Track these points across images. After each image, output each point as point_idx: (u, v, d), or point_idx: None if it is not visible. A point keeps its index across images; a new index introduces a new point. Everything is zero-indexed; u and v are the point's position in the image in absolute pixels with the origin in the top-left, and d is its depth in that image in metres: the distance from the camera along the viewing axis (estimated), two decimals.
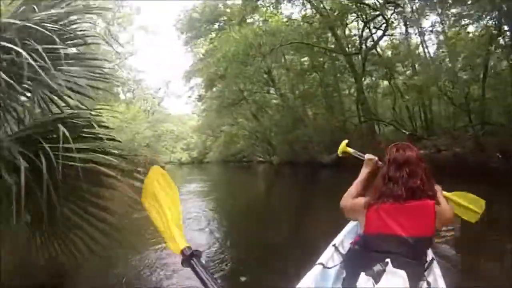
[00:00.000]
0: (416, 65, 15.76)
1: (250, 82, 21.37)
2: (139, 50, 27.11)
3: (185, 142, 45.09)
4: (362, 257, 1.46)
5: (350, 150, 2.33)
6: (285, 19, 18.72)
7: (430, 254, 1.64)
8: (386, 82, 18.53)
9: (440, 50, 14.45)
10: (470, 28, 12.47)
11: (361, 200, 1.60)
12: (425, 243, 1.49)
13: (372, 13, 15.77)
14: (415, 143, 12.97)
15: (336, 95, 19.35)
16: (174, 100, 47.46)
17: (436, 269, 1.61)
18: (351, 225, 2.23)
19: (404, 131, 14.44)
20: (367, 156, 1.98)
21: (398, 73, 17.22)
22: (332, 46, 18.21)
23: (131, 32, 25.47)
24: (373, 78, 18.52)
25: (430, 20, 15.60)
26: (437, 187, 1.59)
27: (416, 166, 1.51)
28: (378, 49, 17.98)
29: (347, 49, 18.19)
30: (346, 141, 2.38)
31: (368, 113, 17.18)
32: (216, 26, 22.67)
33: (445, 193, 1.76)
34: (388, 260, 1.33)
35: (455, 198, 1.93)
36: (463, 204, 1.92)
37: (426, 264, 1.54)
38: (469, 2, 11.03)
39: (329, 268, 1.68)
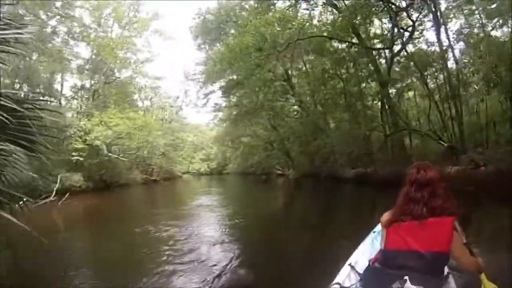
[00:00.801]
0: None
1: (266, 88, 19.89)
2: (156, 56, 26.17)
3: (204, 152, 44.31)
4: (380, 275, 1.49)
5: None
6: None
7: (446, 269, 1.65)
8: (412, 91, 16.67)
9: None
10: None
11: (384, 217, 1.63)
12: (442, 258, 1.48)
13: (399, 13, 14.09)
14: (454, 157, 11.03)
15: (360, 104, 17.38)
16: (194, 109, 47.19)
17: (451, 284, 1.66)
18: (366, 243, 2.26)
19: (441, 142, 12.31)
20: None
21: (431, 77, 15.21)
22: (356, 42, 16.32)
23: (147, 38, 24.94)
24: (403, 84, 16.44)
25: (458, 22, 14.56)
26: (460, 235, 1.52)
27: (437, 187, 1.54)
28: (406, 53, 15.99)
29: (373, 51, 16.33)
30: None
31: (396, 123, 15.18)
32: (233, 31, 21.53)
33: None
34: (406, 277, 1.38)
35: None
36: None
37: (443, 280, 1.54)
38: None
39: (346, 287, 1.70)
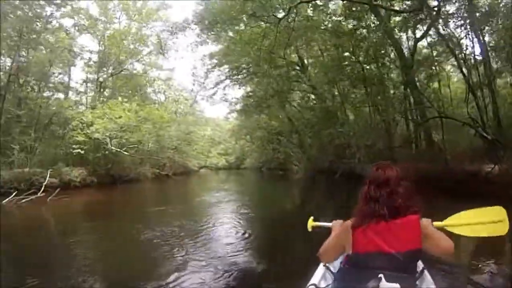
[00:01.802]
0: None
1: (279, 75, 18.35)
2: (167, 47, 25.14)
3: (222, 147, 43.38)
4: (354, 275, 1.46)
5: (318, 224, 2.19)
6: None
7: (421, 264, 1.70)
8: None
9: None
10: None
11: (348, 223, 1.57)
12: (414, 256, 1.48)
13: None
14: (498, 152, 8.94)
15: (381, 89, 15.29)
16: (209, 102, 45.81)
17: (428, 278, 1.69)
18: None
19: (485, 134, 10.03)
20: (334, 223, 1.84)
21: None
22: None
23: (155, 28, 23.93)
24: (433, 68, 14.18)
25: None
26: (427, 221, 1.53)
27: (397, 185, 1.52)
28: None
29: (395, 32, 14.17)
30: (312, 217, 2.20)
31: (424, 112, 13.11)
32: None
33: (437, 223, 1.66)
34: (381, 275, 1.34)
35: (456, 221, 1.70)
36: (475, 222, 1.65)
37: (417, 275, 1.58)
38: None
39: None
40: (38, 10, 17.31)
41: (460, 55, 12.25)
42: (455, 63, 13.07)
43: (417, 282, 1.56)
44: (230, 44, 18.36)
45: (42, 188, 12.21)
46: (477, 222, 1.65)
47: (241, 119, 29.09)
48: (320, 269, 1.88)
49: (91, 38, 21.62)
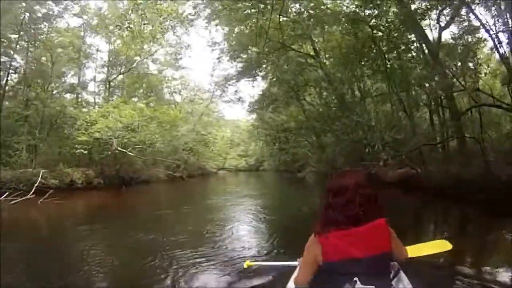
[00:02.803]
0: None
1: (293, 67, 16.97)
2: (182, 47, 24.45)
3: (242, 148, 42.38)
4: (328, 282, 1.42)
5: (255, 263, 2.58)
6: None
7: (396, 265, 1.69)
8: None
9: None
10: None
11: (312, 237, 1.49)
12: (385, 259, 1.45)
13: None
14: None
15: (404, 80, 13.31)
16: (228, 104, 44.84)
17: (404, 279, 1.71)
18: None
19: None
20: (299, 261, 1.85)
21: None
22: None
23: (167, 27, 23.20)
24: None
25: None
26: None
27: (354, 194, 1.45)
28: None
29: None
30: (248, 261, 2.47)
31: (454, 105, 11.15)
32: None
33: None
34: (356, 278, 1.35)
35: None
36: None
37: (392, 275, 1.57)
38: None
39: None
40: (45, 10, 17.11)
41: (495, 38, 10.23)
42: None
43: (393, 283, 1.54)
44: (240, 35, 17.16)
45: (33, 190, 11.62)
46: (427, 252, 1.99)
47: (256, 118, 27.77)
48: (296, 272, 1.85)
49: (101, 38, 21.23)
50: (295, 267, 2.01)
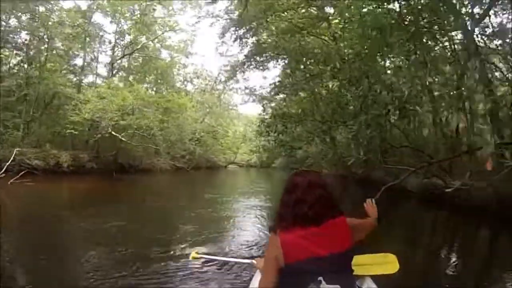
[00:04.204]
0: None
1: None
2: (193, 33, 23.12)
3: (255, 143, 40.88)
4: (292, 282, 1.36)
5: (202, 256, 2.52)
6: None
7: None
8: None
9: None
10: None
11: (271, 237, 1.45)
12: (348, 255, 1.43)
13: None
14: None
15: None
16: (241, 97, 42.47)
17: (368, 279, 1.75)
18: None
19: None
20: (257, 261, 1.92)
21: None
22: None
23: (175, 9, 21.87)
24: None
25: None
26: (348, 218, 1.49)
27: (305, 193, 1.44)
28: None
29: None
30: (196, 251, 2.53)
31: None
32: None
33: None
34: (320, 278, 1.32)
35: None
36: (369, 263, 1.89)
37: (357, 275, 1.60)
38: None
39: None
40: None
41: None
42: None
43: (357, 283, 1.57)
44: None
45: (3, 169, 10.53)
46: (374, 263, 1.90)
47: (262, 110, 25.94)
48: (257, 274, 1.83)
49: (106, 17, 20.16)
50: (244, 263, 2.41)
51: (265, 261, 1.45)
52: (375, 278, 1.78)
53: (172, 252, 3.97)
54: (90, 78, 21.14)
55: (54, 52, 16.91)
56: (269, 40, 17.12)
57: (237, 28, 16.27)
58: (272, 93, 19.79)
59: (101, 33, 20.22)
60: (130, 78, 20.98)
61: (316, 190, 1.44)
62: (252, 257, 2.37)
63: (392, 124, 12.74)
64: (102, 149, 18.22)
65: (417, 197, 9.50)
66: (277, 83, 18.47)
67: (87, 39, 18.93)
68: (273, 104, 21.59)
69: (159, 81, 25.54)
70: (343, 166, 17.24)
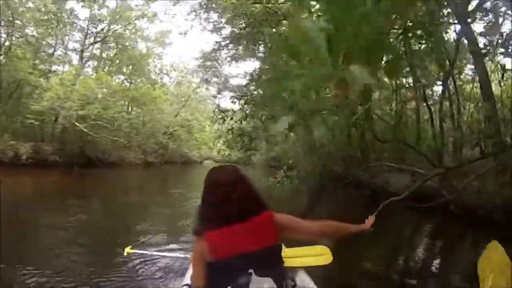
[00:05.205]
0: None
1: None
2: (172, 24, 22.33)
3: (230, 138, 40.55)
4: (222, 278, 1.37)
5: (136, 251, 2.47)
6: None
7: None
8: None
9: None
10: None
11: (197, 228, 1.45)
12: (276, 249, 1.42)
13: None
14: None
15: None
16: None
17: (303, 274, 1.82)
18: None
19: None
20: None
21: None
22: None
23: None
24: None
25: None
26: (281, 215, 1.46)
27: (227, 191, 1.37)
28: None
29: None
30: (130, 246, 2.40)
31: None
32: None
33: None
34: (251, 270, 1.36)
35: (290, 254, 1.89)
36: (305, 255, 1.97)
37: (290, 269, 1.66)
38: None
39: None
40: None
41: None
42: None
43: (290, 275, 1.60)
44: None
45: None
46: (306, 255, 1.97)
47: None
48: (191, 269, 1.69)
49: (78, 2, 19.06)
50: (180, 258, 2.57)
51: (192, 260, 1.45)
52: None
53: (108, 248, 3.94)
54: (65, 67, 20.05)
55: (23, 38, 15.76)
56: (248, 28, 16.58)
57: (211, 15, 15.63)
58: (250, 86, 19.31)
59: (73, 19, 19.17)
60: (106, 68, 20.01)
61: (238, 186, 1.39)
62: (187, 252, 2.34)
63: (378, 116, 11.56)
64: (68, 141, 17.33)
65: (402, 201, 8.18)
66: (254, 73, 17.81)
67: (59, 25, 17.84)
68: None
69: (134, 72, 24.64)
70: (323, 165, 15.82)
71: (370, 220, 1.72)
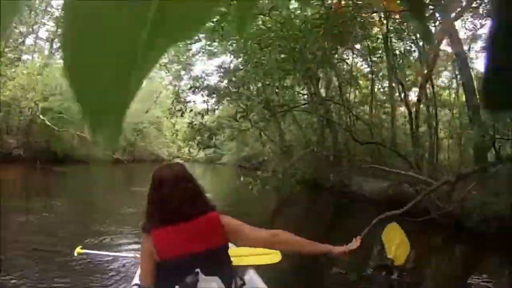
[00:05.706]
0: None
1: None
2: None
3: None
4: (169, 278, 1.35)
5: (86, 251, 2.46)
6: None
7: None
8: None
9: None
10: None
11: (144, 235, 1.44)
12: (222, 249, 1.43)
13: None
14: None
15: None
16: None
17: (253, 275, 1.87)
18: None
19: None
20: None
21: None
22: None
23: None
24: None
25: None
26: (227, 217, 1.48)
27: (173, 189, 1.39)
28: None
29: None
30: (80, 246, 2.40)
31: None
32: None
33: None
34: (198, 270, 1.34)
35: (238, 252, 1.86)
36: (253, 253, 2.02)
37: (240, 270, 1.69)
38: None
39: None
40: None
41: None
42: None
43: (239, 274, 1.59)
44: None
45: None
46: (254, 253, 2.01)
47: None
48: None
49: None
50: (129, 258, 2.57)
51: (141, 259, 1.45)
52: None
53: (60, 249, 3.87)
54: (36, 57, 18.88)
55: None
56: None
57: None
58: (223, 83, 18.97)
59: (45, 6, 18.21)
60: None
61: (183, 185, 1.41)
62: (137, 251, 2.37)
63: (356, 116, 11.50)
64: (33, 135, 16.53)
65: (375, 202, 7.79)
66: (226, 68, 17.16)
67: (31, 13, 16.92)
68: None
69: None
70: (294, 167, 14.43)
71: (357, 240, 1.46)
